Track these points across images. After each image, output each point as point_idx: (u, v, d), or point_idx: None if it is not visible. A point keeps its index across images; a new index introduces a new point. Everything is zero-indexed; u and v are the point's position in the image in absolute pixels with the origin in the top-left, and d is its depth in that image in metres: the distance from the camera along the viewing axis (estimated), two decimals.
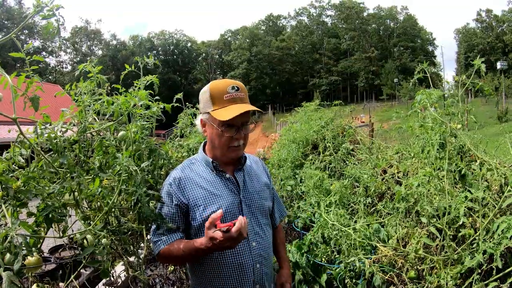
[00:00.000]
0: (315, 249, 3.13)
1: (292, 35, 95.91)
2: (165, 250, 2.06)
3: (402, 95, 61.62)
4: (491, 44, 78.17)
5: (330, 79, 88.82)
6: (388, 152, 4.73)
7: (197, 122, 2.26)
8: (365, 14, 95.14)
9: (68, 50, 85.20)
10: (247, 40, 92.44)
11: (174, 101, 4.33)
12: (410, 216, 2.93)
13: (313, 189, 4.24)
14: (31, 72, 1.74)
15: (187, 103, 4.56)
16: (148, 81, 2.64)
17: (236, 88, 2.09)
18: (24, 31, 76.97)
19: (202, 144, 2.36)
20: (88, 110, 2.05)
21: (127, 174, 1.75)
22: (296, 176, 5.03)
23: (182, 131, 4.40)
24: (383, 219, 3.19)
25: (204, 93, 2.14)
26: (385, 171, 4.26)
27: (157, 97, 2.46)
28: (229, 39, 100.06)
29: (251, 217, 2.20)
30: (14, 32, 1.64)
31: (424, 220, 2.44)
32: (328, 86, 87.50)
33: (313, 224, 3.39)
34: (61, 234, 1.85)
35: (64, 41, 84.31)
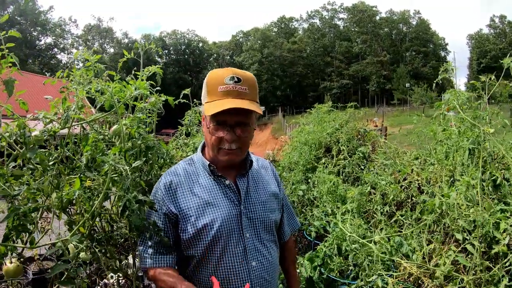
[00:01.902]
0: (329, 262, 2.85)
1: (304, 37, 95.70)
2: (151, 270, 1.81)
3: (413, 100, 61.05)
4: (504, 51, 77.31)
5: (341, 82, 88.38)
6: (404, 158, 4.45)
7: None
8: (377, 17, 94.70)
9: (80, 48, 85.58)
10: (259, 42, 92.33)
11: (181, 96, 4.09)
12: (438, 229, 2.63)
13: (326, 195, 3.95)
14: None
15: (195, 100, 4.30)
16: (150, 72, 2.39)
17: (236, 80, 1.76)
18: (36, 27, 77.58)
19: (201, 142, 2.05)
20: (73, 98, 1.77)
21: (116, 175, 1.48)
22: (309, 180, 4.74)
23: (189, 129, 4.13)
24: (404, 230, 2.90)
25: (204, 83, 1.87)
26: (404, 178, 3.98)
27: (158, 89, 2.20)
28: (240, 40, 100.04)
29: (252, 232, 1.89)
30: None
31: (459, 236, 2.15)
32: (339, 90, 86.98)
33: (326, 234, 3.11)
34: (29, 245, 1.57)
35: (77, 38, 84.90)
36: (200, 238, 1.79)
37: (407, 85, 68.57)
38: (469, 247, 2.00)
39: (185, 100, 4.32)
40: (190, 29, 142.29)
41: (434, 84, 3.59)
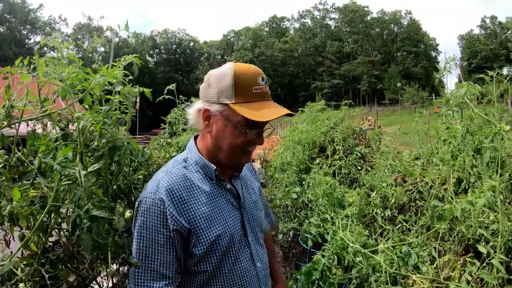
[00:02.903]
0: (328, 274, 2.56)
1: (295, 37, 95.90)
2: None
3: (405, 100, 61.30)
4: (495, 51, 78.13)
5: (333, 82, 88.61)
6: (403, 158, 4.18)
7: (191, 111, 1.69)
8: (369, 17, 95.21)
9: (70, 47, 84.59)
10: (250, 41, 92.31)
11: (165, 92, 3.81)
12: (451, 238, 2.35)
13: (322, 198, 3.66)
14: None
15: (180, 96, 4.01)
16: (127, 61, 2.09)
17: (265, 81, 1.63)
18: (26, 26, 76.74)
19: (191, 140, 1.77)
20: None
21: (70, 182, 1.18)
22: (303, 182, 4.45)
23: (174, 127, 3.83)
24: (411, 238, 2.62)
25: (221, 77, 1.58)
26: (403, 179, 3.71)
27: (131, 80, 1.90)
28: (231, 39, 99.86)
29: (252, 235, 1.80)
30: None
31: (482, 249, 1.87)
32: (330, 89, 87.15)
33: (324, 244, 2.83)
34: None
35: (67, 37, 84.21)
36: (214, 250, 1.59)
37: (399, 84, 68.94)
38: (496, 262, 1.73)
39: (174, 98, 4.02)
40: (181, 28, 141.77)
41: (437, 80, 3.33)
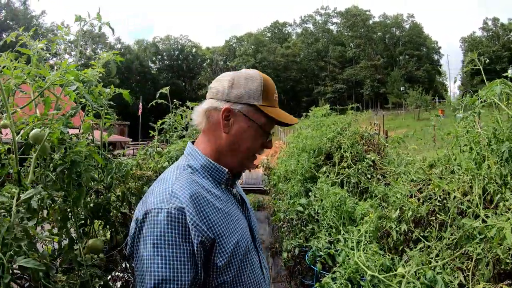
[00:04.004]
0: None
1: (298, 42, 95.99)
2: None
3: (408, 104, 60.97)
4: (497, 53, 77.89)
5: (335, 87, 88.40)
6: (416, 165, 3.84)
7: (199, 110, 1.58)
8: (370, 22, 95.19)
9: (73, 53, 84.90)
10: (252, 47, 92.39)
11: (157, 96, 3.51)
12: (484, 261, 2.01)
13: (331, 211, 3.33)
14: None
15: (174, 100, 3.69)
16: (105, 60, 1.79)
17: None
18: (29, 32, 76.88)
19: (189, 146, 1.61)
20: None
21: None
22: (309, 193, 4.11)
23: (167, 134, 3.51)
24: (434, 261, 2.28)
25: (250, 79, 1.55)
26: (419, 190, 3.38)
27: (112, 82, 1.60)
28: (234, 45, 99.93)
29: (258, 242, 1.72)
30: None
31: None
32: (333, 94, 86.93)
33: (334, 265, 2.49)
34: None
35: (69, 44, 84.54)
36: (234, 259, 1.45)
37: (402, 88, 68.67)
38: None
39: (163, 101, 3.75)
40: (184, 34, 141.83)
41: (454, 84, 3.00)
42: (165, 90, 3.42)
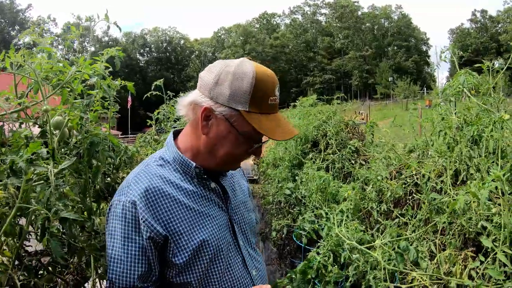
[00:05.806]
0: (324, 273, 2.46)
1: (286, 33, 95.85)
2: None
3: (397, 94, 61.49)
4: (485, 44, 78.60)
5: (324, 77, 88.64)
6: (397, 150, 4.10)
7: (183, 103, 1.46)
8: (359, 12, 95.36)
9: (60, 47, 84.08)
10: (241, 38, 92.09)
11: (152, 88, 3.71)
12: (451, 232, 2.27)
13: (316, 193, 3.58)
14: None
15: (168, 91, 3.89)
16: (109, 54, 1.99)
17: (279, 91, 1.44)
18: (15, 26, 76.04)
19: (170, 136, 1.55)
20: None
21: (41, 182, 1.06)
22: (296, 177, 4.36)
23: (162, 124, 3.72)
24: (408, 233, 2.53)
25: (238, 78, 1.35)
26: (399, 172, 3.63)
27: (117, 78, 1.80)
28: (222, 36, 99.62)
29: (244, 239, 1.59)
30: None
31: (487, 243, 1.78)
32: (322, 85, 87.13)
33: (319, 241, 2.73)
34: None
35: (56, 37, 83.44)
36: (199, 259, 1.40)
37: (390, 79, 69.13)
38: (501, 256, 1.64)
39: (162, 95, 3.93)
40: (172, 26, 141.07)
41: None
42: (159, 82, 3.61)
